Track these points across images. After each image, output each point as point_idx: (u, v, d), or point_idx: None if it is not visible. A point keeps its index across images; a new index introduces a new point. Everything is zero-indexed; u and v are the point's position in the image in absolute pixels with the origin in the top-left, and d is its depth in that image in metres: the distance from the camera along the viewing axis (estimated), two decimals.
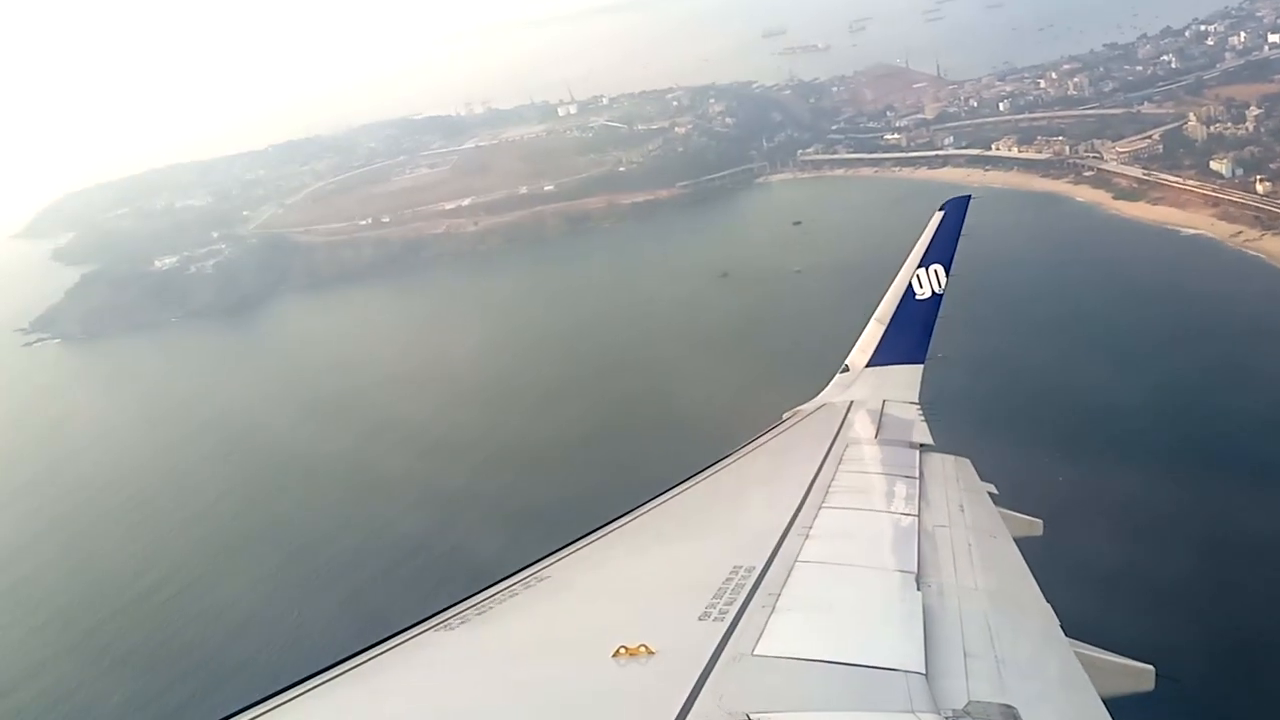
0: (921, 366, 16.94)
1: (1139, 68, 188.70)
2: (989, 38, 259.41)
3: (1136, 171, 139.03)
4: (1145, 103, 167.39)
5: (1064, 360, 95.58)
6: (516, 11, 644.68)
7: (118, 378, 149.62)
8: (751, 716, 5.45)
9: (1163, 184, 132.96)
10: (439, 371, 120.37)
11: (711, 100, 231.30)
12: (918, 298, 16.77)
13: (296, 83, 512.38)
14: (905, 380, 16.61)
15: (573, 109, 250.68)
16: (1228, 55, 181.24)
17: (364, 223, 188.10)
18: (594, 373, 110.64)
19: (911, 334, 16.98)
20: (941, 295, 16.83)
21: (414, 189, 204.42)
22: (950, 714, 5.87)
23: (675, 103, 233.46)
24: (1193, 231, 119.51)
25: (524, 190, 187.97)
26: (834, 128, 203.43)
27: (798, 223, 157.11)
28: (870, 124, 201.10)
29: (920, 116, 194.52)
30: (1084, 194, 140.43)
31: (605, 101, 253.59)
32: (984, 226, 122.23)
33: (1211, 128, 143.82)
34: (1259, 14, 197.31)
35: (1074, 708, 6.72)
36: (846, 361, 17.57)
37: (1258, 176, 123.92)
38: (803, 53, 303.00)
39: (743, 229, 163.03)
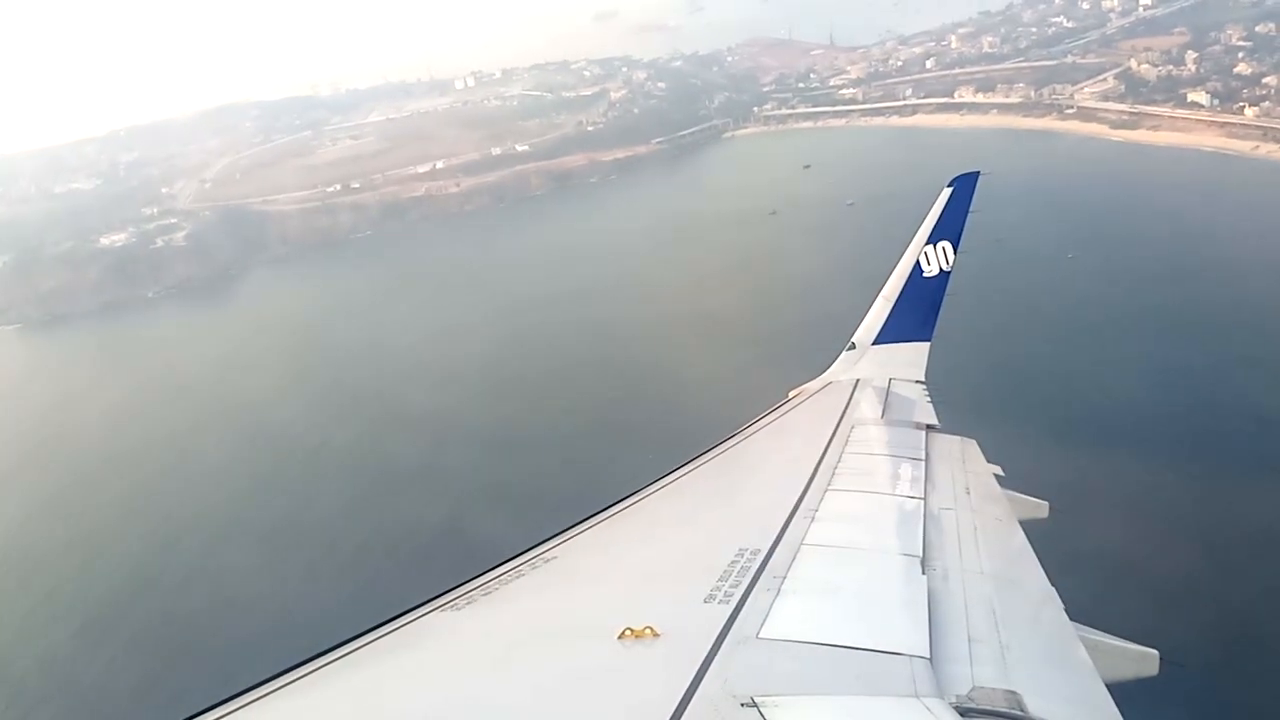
0: (928, 345, 16.94)
1: (1033, 29, 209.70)
2: (841, 10, 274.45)
3: (1119, 106, 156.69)
4: (1069, 55, 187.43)
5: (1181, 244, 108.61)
6: None
7: (118, 356, 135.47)
8: (756, 699, 5.51)
9: (1152, 115, 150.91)
10: (541, 330, 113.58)
11: (623, 68, 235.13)
12: (925, 274, 16.68)
13: (106, 70, 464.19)
14: (912, 358, 16.73)
15: (470, 82, 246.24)
16: (1112, 15, 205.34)
17: (332, 189, 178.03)
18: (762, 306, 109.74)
19: (919, 311, 16.92)
20: (949, 272, 16.75)
21: (355, 158, 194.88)
22: (955, 699, 5.94)
23: (586, 73, 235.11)
24: (1211, 149, 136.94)
25: (497, 151, 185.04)
26: (766, 89, 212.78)
27: (807, 166, 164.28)
28: (800, 84, 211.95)
29: (848, 76, 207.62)
30: (1078, 128, 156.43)
31: (498, 75, 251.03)
32: (1014, 157, 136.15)
33: (1159, 70, 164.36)
34: None
35: (1078, 692, 6.77)
36: (853, 339, 17.43)
37: (1243, 104, 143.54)
38: (655, 31, 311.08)
39: (748, 176, 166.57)
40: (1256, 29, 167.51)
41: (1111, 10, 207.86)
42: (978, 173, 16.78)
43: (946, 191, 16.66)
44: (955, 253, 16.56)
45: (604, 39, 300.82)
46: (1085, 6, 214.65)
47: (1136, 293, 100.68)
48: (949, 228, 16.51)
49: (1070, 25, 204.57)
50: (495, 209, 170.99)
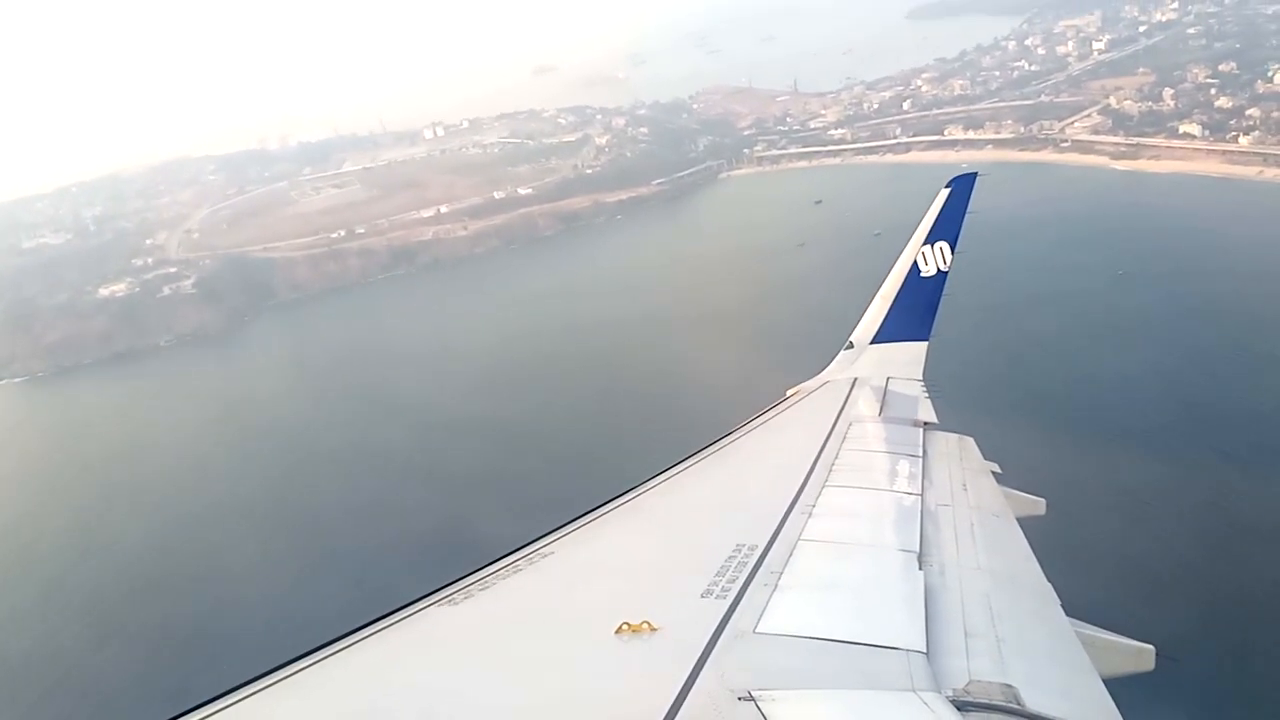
0: (926, 344, 17.06)
1: (996, 73, 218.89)
2: (791, 60, 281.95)
3: (1113, 138, 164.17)
4: (1042, 95, 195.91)
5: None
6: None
7: (154, 401, 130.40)
8: (753, 694, 5.53)
9: (1150, 145, 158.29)
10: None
11: (597, 115, 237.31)
12: (923, 275, 16.76)
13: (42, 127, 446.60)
14: (910, 357, 16.85)
15: (439, 131, 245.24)
16: (1070, 60, 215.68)
17: (336, 235, 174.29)
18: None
19: (916, 311, 17.05)
20: (947, 272, 16.82)
21: (347, 205, 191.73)
22: (951, 693, 5.96)
23: (561, 120, 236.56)
24: (1217, 175, 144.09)
25: (499, 195, 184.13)
26: (746, 133, 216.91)
27: (818, 201, 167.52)
28: (780, 128, 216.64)
29: (826, 119, 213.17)
30: (1077, 160, 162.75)
31: (465, 125, 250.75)
32: (1025, 187, 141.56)
33: (1140, 106, 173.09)
34: (1056, 30, 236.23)
35: (1074, 687, 6.79)
36: (851, 338, 17.53)
37: (1235, 133, 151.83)
38: (602, 84, 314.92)
39: (759, 212, 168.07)
40: (1220, 68, 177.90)
41: (1068, 56, 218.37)
42: (975, 173, 16.85)
43: (944, 192, 16.71)
44: (953, 253, 16.61)
45: (547, 92, 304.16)
46: (1041, 52, 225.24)
47: (1202, 305, 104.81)
48: (947, 228, 16.55)
49: (1034, 69, 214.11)
50: (507, 250, 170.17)
